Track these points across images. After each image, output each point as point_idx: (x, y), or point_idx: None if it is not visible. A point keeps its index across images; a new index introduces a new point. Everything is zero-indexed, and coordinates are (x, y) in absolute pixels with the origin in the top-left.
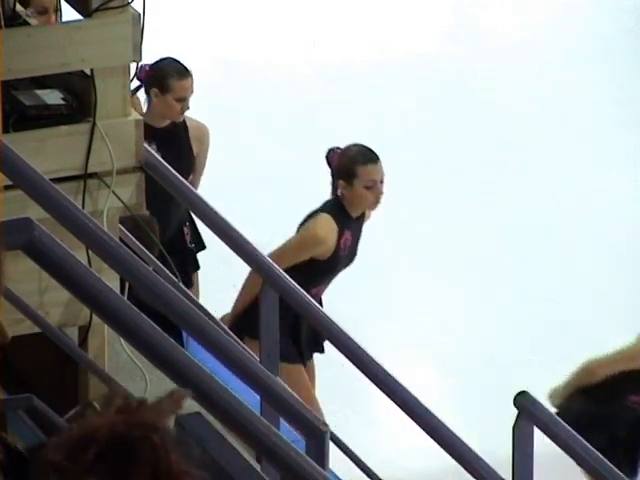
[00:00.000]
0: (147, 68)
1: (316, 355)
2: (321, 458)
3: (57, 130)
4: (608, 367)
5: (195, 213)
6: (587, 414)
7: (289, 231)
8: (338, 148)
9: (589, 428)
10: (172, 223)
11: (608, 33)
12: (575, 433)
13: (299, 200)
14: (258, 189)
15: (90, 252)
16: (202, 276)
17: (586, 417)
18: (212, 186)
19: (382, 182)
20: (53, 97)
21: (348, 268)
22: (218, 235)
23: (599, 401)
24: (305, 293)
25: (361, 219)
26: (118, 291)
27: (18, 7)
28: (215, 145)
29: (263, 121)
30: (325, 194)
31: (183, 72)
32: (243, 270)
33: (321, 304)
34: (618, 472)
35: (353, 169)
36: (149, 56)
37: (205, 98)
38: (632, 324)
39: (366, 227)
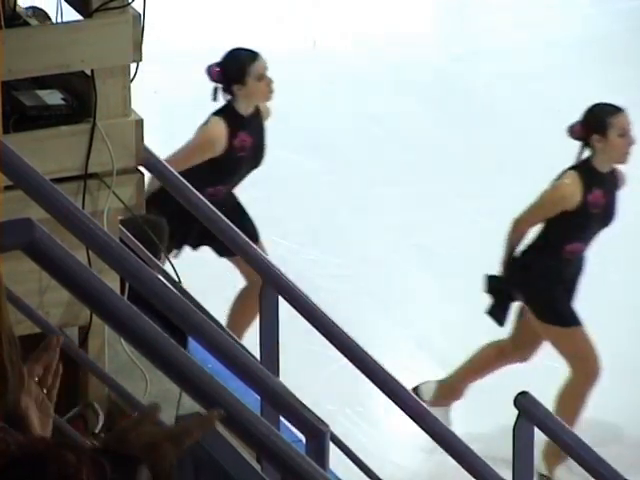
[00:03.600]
0: (217, 69)
1: (315, 352)
2: (321, 458)
3: (57, 130)
4: (530, 217)
5: (195, 213)
6: (538, 273)
7: (288, 229)
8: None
9: (546, 286)
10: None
11: (609, 33)
12: (575, 433)
13: (296, 199)
14: (256, 189)
15: (90, 252)
16: (202, 276)
17: (538, 275)
18: None
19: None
20: (53, 97)
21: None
22: (218, 235)
23: (533, 260)
24: (304, 293)
25: (612, 176)
26: (118, 291)
27: (18, 7)
28: None
29: None
30: (323, 193)
31: (255, 55)
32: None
33: (582, 264)
34: (617, 471)
35: (605, 121)
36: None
37: (204, 97)
38: (633, 324)
39: (366, 227)
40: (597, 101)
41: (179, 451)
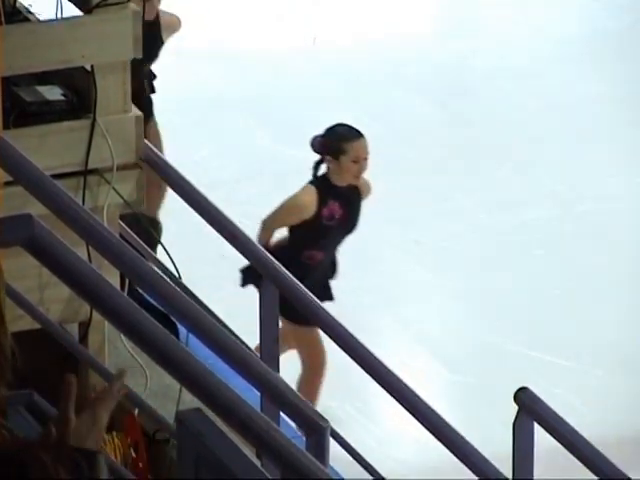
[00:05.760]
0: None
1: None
2: (321, 454)
3: (57, 126)
4: (272, 222)
5: (194, 208)
6: None
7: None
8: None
9: None
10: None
11: (609, 30)
12: (576, 429)
13: None
14: (256, 184)
15: (90, 248)
16: (202, 273)
17: None
18: (211, 181)
19: (366, 159)
20: (53, 93)
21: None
22: (218, 231)
23: (282, 261)
24: (305, 288)
25: (353, 192)
26: (118, 287)
27: (18, 3)
28: (214, 141)
29: (263, 118)
30: None
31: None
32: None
33: (331, 269)
34: (618, 468)
35: (340, 146)
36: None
37: (204, 94)
38: (633, 322)
39: (365, 222)
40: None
41: (109, 412)
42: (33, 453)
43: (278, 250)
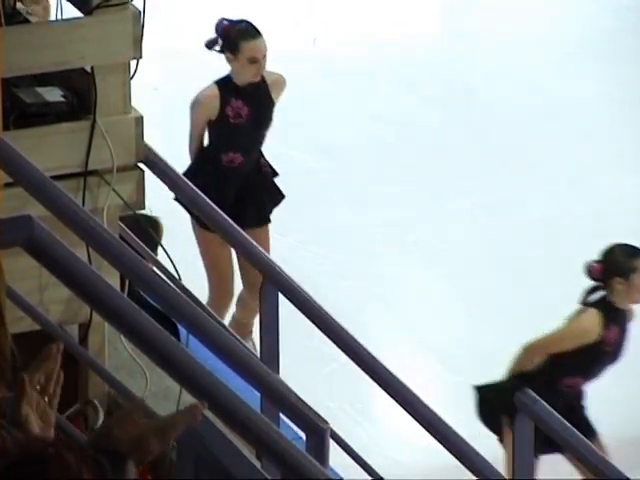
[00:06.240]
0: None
1: (316, 350)
2: (321, 455)
3: (57, 127)
4: (545, 347)
5: (195, 210)
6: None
7: (288, 227)
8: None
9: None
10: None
11: (610, 31)
12: (575, 430)
13: (296, 196)
14: None
15: (90, 249)
16: (202, 274)
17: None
18: None
19: (264, 57)
20: (53, 94)
21: None
22: (218, 232)
23: (536, 387)
24: (305, 291)
25: (258, 89)
26: (118, 288)
27: (18, 5)
28: None
29: None
30: (323, 192)
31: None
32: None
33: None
34: (618, 469)
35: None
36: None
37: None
38: (633, 323)
39: (366, 224)
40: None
41: (164, 444)
42: (55, 453)
43: (198, 156)
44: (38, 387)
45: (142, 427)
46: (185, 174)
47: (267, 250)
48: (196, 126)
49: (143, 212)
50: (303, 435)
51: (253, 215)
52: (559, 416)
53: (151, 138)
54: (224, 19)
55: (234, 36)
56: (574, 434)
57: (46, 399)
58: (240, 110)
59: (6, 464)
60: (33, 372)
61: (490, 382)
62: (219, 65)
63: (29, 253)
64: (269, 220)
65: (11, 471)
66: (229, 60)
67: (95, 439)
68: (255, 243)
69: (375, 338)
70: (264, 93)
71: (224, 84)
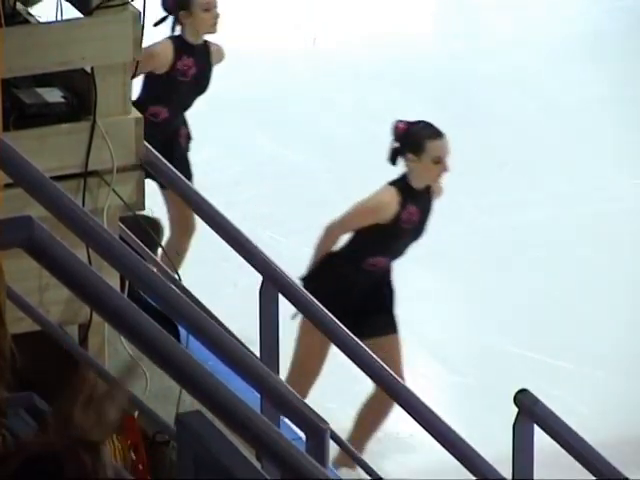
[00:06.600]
0: None
1: None
2: (321, 456)
3: (57, 128)
4: (344, 224)
5: (194, 210)
6: (332, 279)
7: (288, 227)
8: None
9: (335, 292)
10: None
11: (609, 32)
12: (575, 431)
13: (298, 197)
14: (257, 186)
15: (90, 250)
16: (203, 275)
17: (331, 282)
18: (211, 183)
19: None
20: (53, 95)
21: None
22: (218, 232)
23: (343, 268)
24: (304, 290)
25: (427, 193)
26: (118, 289)
27: (18, 5)
28: (214, 142)
29: (262, 118)
30: (323, 192)
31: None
32: (243, 268)
33: (387, 281)
34: (617, 469)
35: (422, 143)
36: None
37: (204, 95)
38: (633, 323)
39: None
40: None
41: (120, 406)
42: (73, 452)
43: (332, 258)
44: None
45: (95, 404)
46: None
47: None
48: (357, 226)
49: (143, 213)
50: (303, 436)
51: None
52: (559, 417)
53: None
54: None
55: (418, 136)
56: (574, 434)
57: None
58: (413, 216)
59: (23, 459)
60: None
61: None
62: (219, 67)
63: (29, 254)
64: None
65: (28, 466)
66: (409, 161)
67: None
68: (257, 247)
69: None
70: (430, 200)
71: (402, 187)
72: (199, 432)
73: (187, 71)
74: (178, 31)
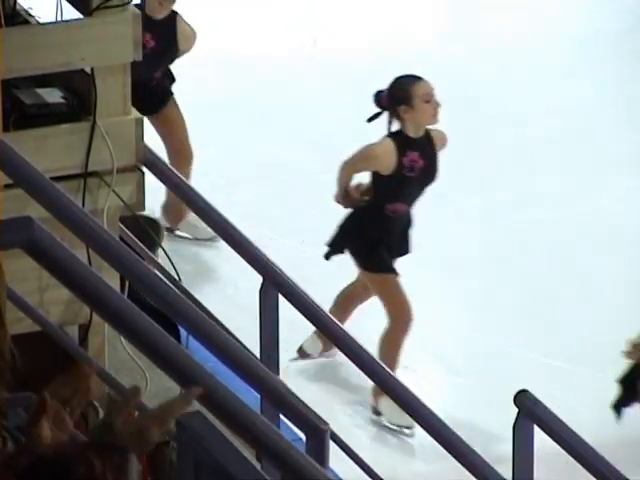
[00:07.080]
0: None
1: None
2: (321, 456)
3: (57, 129)
4: (349, 164)
5: (195, 211)
6: (354, 224)
7: (288, 227)
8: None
9: (357, 235)
10: None
11: (609, 32)
12: (575, 432)
13: (298, 197)
14: (257, 187)
15: (90, 250)
16: (203, 275)
17: (353, 226)
18: (211, 184)
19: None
20: (53, 96)
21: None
22: (218, 233)
23: (366, 215)
24: (304, 291)
25: (427, 139)
26: (118, 290)
27: (18, 6)
28: (214, 143)
29: (263, 119)
30: (323, 192)
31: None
32: (243, 269)
33: (409, 224)
34: (617, 469)
35: (408, 89)
36: None
37: (204, 96)
38: (633, 324)
39: None
40: (593, 99)
41: (164, 433)
42: (83, 455)
43: (357, 210)
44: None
45: (141, 418)
46: None
47: None
48: (357, 172)
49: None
50: (303, 436)
51: None
52: (559, 417)
53: (151, 139)
54: (381, 91)
55: (402, 87)
56: (574, 435)
57: (67, 409)
58: (414, 163)
59: (33, 461)
60: (59, 388)
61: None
62: (219, 68)
63: (29, 254)
64: None
65: (37, 469)
66: (402, 112)
67: (96, 435)
68: (256, 248)
69: (375, 339)
70: (433, 147)
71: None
72: (199, 433)
73: (414, 165)
74: (395, 126)
